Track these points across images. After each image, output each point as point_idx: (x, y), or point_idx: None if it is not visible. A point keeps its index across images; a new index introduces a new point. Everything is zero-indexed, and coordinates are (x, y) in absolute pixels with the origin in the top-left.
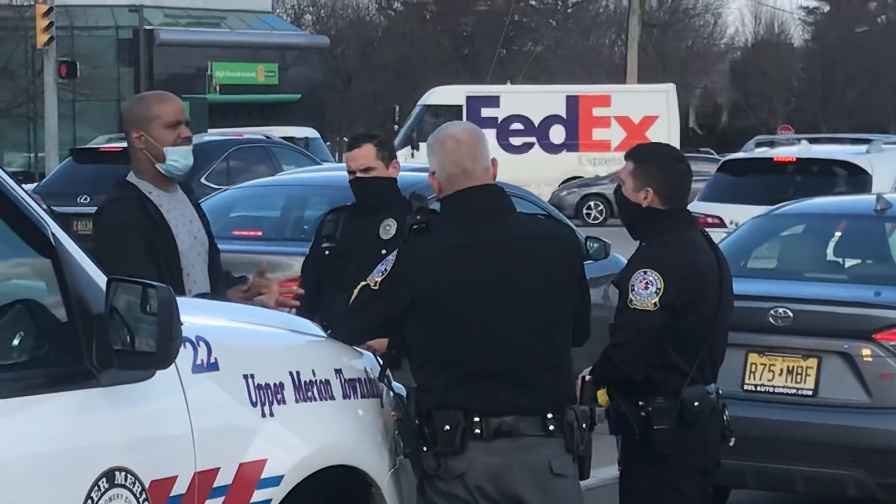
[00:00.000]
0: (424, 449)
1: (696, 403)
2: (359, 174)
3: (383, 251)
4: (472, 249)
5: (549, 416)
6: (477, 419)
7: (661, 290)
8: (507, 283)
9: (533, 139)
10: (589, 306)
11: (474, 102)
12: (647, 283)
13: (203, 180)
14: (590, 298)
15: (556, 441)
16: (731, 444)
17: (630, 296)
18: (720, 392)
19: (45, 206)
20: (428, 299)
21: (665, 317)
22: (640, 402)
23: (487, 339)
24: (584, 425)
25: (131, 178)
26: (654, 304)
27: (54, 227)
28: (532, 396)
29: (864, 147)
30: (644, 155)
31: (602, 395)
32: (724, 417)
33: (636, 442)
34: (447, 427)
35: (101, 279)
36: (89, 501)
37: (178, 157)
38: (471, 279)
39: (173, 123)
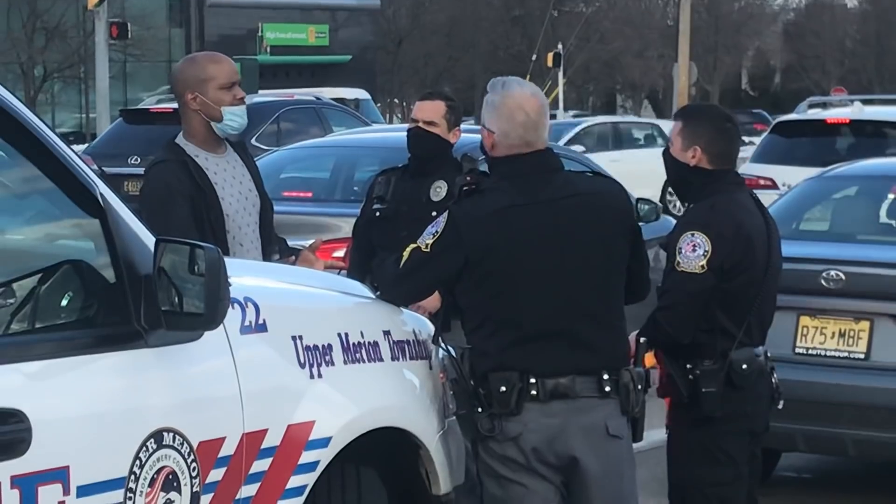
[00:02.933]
0: (479, 410)
1: (744, 366)
2: (421, 125)
3: (434, 213)
4: (524, 209)
5: (605, 376)
6: (533, 380)
7: (709, 253)
8: (561, 241)
9: None
10: (646, 260)
11: None
12: (694, 245)
13: (253, 141)
14: (646, 252)
15: (611, 402)
16: (780, 407)
17: (677, 258)
18: (768, 355)
19: (95, 167)
20: (482, 260)
21: (713, 279)
22: (688, 366)
23: (543, 299)
24: (639, 387)
25: (180, 140)
26: (702, 266)
27: (102, 188)
28: (589, 356)
29: None
30: (693, 114)
31: (649, 357)
32: (773, 380)
33: (684, 405)
34: (503, 388)
35: (149, 240)
36: (137, 462)
37: (235, 117)
38: (525, 239)
39: (228, 84)
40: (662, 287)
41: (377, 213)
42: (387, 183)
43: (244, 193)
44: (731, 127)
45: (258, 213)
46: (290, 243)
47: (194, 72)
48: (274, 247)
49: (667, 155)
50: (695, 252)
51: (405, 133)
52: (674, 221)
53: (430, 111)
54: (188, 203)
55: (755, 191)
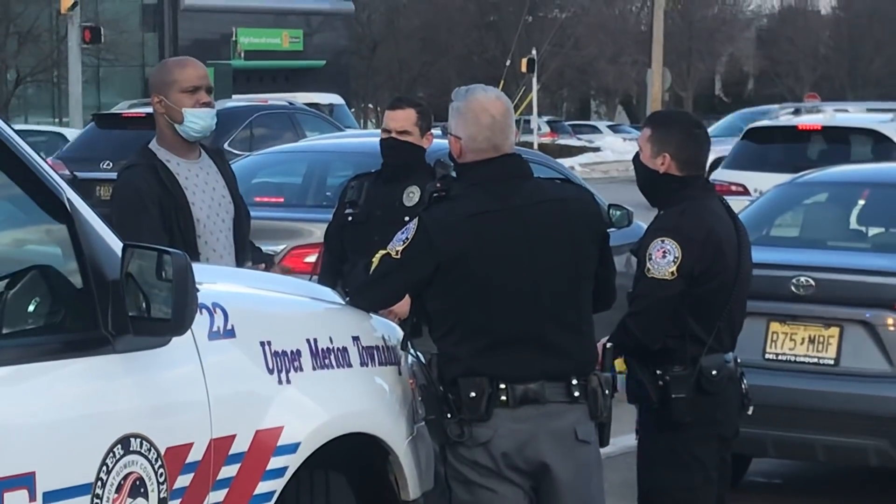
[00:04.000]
0: (448, 416)
1: (713, 372)
2: (394, 134)
3: (406, 218)
4: (495, 215)
5: (574, 381)
6: (503, 386)
7: (679, 259)
8: (532, 247)
9: None
10: (613, 268)
11: None
12: (664, 251)
13: (226, 146)
14: (613, 260)
15: (580, 407)
16: (750, 412)
17: (647, 264)
18: (738, 360)
19: (66, 172)
20: (453, 267)
21: (683, 285)
22: (658, 371)
23: (514, 305)
24: (606, 392)
25: (152, 145)
26: (672, 272)
27: (69, 193)
28: (559, 361)
29: (889, 115)
30: (661, 120)
31: (619, 363)
32: (743, 386)
33: (654, 410)
34: (473, 394)
35: (116, 245)
36: (104, 468)
37: (197, 119)
38: (495, 245)
39: (191, 88)
40: (633, 293)
41: (349, 218)
42: (359, 188)
43: (217, 199)
44: (699, 133)
45: (231, 220)
46: (262, 249)
47: (160, 75)
48: (247, 254)
49: (637, 161)
50: (665, 258)
51: (378, 139)
52: (645, 227)
53: (402, 120)
54: (157, 207)
55: (727, 197)
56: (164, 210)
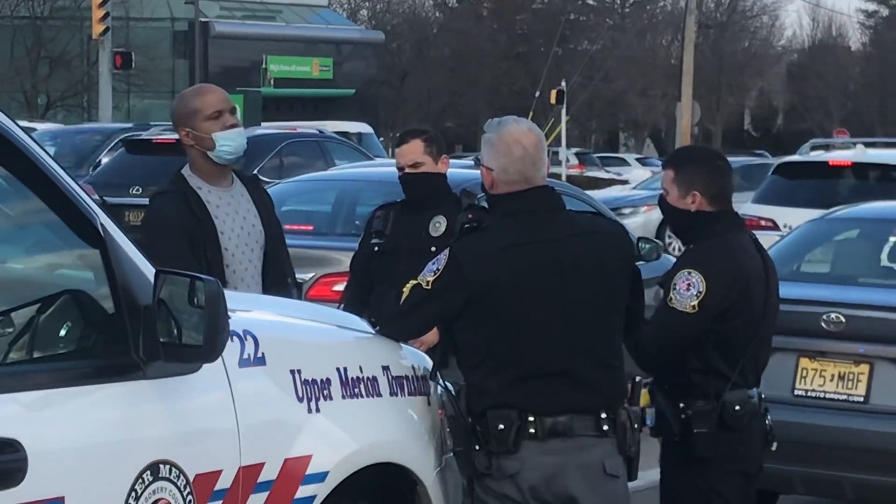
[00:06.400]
0: (476, 448)
1: (737, 407)
2: (407, 170)
3: (433, 248)
4: (527, 247)
5: (603, 415)
6: (532, 418)
7: (703, 294)
8: (564, 280)
9: None
10: (643, 304)
11: None
12: (689, 284)
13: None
14: (644, 294)
15: (609, 441)
16: (773, 448)
17: (670, 294)
18: (762, 396)
19: (96, 197)
20: (484, 299)
21: (702, 322)
22: (681, 405)
23: (545, 338)
24: (635, 426)
25: (185, 171)
26: (693, 306)
27: (103, 218)
28: (588, 395)
29: None
30: (683, 159)
31: (644, 395)
32: (767, 422)
33: (677, 445)
34: (501, 426)
35: (149, 271)
36: (133, 494)
37: (227, 141)
38: (527, 277)
39: (215, 114)
40: (650, 318)
41: (375, 248)
42: (385, 218)
43: (246, 228)
44: (723, 165)
45: (261, 249)
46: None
47: (181, 108)
48: (288, 280)
49: (664, 204)
50: (688, 291)
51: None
52: (673, 260)
53: (410, 153)
54: (185, 234)
55: (756, 231)
56: (192, 238)
